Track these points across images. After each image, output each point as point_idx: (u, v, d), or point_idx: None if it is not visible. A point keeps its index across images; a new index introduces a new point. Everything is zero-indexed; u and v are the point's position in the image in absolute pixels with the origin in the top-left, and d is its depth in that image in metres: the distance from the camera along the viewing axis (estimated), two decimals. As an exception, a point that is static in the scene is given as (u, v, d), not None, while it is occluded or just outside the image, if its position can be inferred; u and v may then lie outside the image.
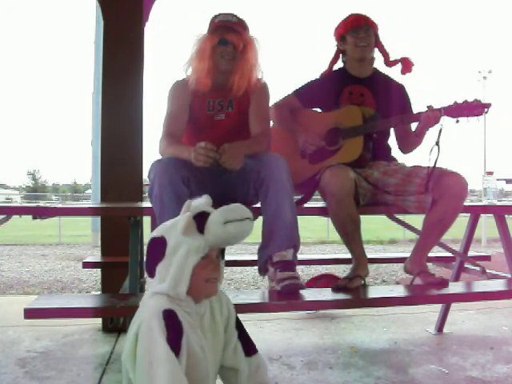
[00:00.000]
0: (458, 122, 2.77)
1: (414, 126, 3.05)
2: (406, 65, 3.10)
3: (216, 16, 2.83)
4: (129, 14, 3.87)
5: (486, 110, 2.75)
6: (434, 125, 2.82)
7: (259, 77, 2.89)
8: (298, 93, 3.15)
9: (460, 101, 2.77)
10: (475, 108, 2.75)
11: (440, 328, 3.73)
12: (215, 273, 1.76)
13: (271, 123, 3.07)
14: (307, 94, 3.13)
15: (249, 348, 1.99)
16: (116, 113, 3.83)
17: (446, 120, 2.79)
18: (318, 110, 3.17)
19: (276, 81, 2.99)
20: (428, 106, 2.82)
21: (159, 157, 2.67)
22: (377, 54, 3.16)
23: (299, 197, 2.94)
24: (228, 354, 1.90)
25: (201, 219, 1.70)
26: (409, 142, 3.12)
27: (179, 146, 2.68)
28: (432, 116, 2.80)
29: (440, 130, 2.77)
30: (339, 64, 3.25)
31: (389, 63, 3.15)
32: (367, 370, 2.93)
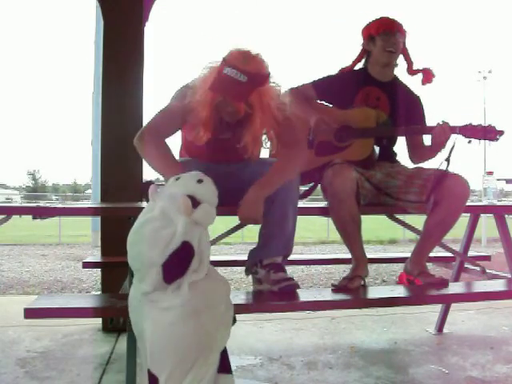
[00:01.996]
0: (470, 142, 2.80)
1: (426, 139, 3.07)
2: (427, 76, 3.08)
3: (231, 54, 2.33)
4: (129, 14, 3.87)
5: (498, 136, 2.77)
6: (445, 141, 2.82)
7: (281, 114, 2.46)
8: (316, 84, 3.11)
9: (475, 123, 2.79)
10: (489, 132, 2.77)
11: (440, 328, 3.73)
12: None
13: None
14: (324, 87, 3.10)
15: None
16: (116, 113, 3.83)
17: (458, 138, 2.82)
18: (330, 105, 3.15)
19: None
20: (443, 121, 2.83)
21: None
22: (399, 60, 3.14)
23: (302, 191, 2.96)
24: None
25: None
26: (420, 154, 3.09)
27: (168, 161, 2.41)
28: (445, 131, 2.80)
29: (452, 147, 2.80)
30: (361, 64, 3.22)
31: (411, 72, 3.13)
32: (367, 370, 2.93)
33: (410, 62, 3.12)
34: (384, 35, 3.02)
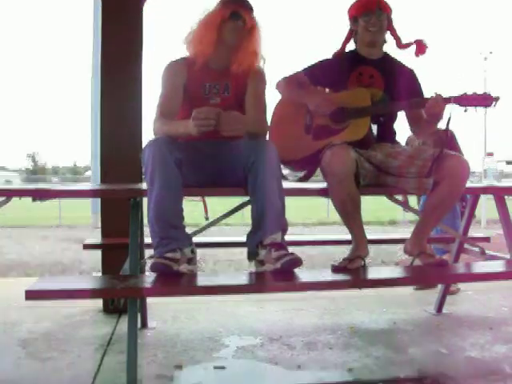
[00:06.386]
0: (466, 111, 2.80)
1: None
2: (420, 47, 3.08)
3: None
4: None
5: (494, 102, 2.77)
6: (440, 112, 2.84)
7: (260, 63, 2.89)
8: (308, 71, 3.12)
9: (470, 92, 2.79)
10: (484, 99, 2.77)
11: (439, 308, 3.74)
12: None
13: (280, 96, 3.16)
14: (317, 73, 3.10)
15: None
16: (115, 94, 3.81)
17: (454, 108, 2.82)
18: (326, 90, 3.15)
19: (275, 64, 2.96)
20: (436, 93, 2.83)
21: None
22: (389, 36, 3.14)
23: (302, 174, 2.98)
24: None
25: None
26: (420, 127, 3.11)
27: (174, 122, 2.71)
28: (438, 103, 2.81)
29: (449, 118, 2.81)
30: (351, 44, 3.22)
31: (401, 46, 3.13)
32: (366, 350, 2.95)
33: (397, 38, 3.13)
34: (365, 15, 3.04)
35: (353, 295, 3.97)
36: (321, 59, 3.16)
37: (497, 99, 2.77)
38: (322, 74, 3.09)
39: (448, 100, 2.81)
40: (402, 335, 3.27)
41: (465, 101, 2.79)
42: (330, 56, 3.20)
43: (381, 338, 3.20)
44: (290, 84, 3.11)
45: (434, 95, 2.83)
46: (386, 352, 2.94)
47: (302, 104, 3.06)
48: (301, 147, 2.97)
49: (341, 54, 3.19)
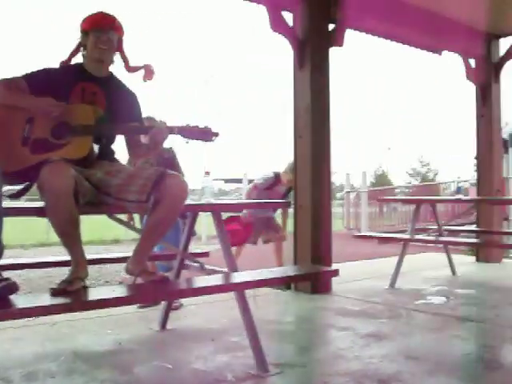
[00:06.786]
0: (187, 142, 2.90)
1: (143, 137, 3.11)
2: (148, 72, 3.12)
3: None
4: None
5: (213, 137, 2.91)
6: (162, 140, 2.95)
7: None
8: (28, 77, 2.93)
9: (193, 124, 2.88)
10: (205, 134, 2.90)
11: (163, 325, 3.80)
12: None
13: None
14: (37, 80, 2.93)
15: None
16: None
17: (177, 138, 2.92)
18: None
19: None
20: (161, 122, 2.92)
21: None
22: (118, 58, 3.13)
23: (15, 190, 2.81)
24: None
25: None
26: (138, 152, 3.15)
27: None
28: (162, 132, 2.89)
29: (171, 148, 2.89)
30: (79, 57, 3.12)
31: (129, 69, 3.14)
32: (91, 374, 2.88)
33: (126, 60, 3.15)
34: (96, 32, 3.01)
35: (75, 318, 3.86)
36: (44, 67, 3.01)
37: (216, 134, 2.92)
38: (42, 83, 2.93)
39: (172, 129, 2.89)
40: (127, 355, 3.25)
41: (187, 133, 2.89)
42: (55, 65, 3.08)
43: (106, 360, 3.15)
44: (7, 87, 2.88)
45: (158, 122, 2.90)
46: (111, 374, 2.90)
47: (21, 113, 2.86)
48: (15, 160, 2.77)
49: (66, 66, 3.09)
